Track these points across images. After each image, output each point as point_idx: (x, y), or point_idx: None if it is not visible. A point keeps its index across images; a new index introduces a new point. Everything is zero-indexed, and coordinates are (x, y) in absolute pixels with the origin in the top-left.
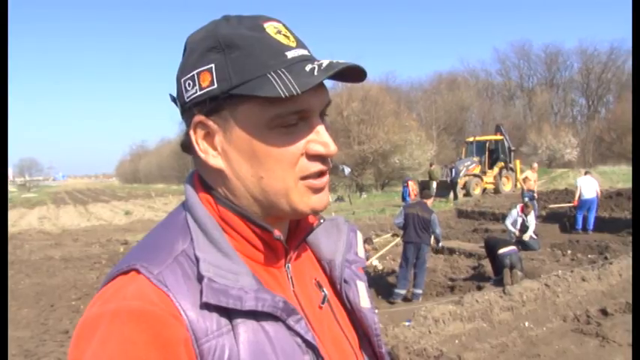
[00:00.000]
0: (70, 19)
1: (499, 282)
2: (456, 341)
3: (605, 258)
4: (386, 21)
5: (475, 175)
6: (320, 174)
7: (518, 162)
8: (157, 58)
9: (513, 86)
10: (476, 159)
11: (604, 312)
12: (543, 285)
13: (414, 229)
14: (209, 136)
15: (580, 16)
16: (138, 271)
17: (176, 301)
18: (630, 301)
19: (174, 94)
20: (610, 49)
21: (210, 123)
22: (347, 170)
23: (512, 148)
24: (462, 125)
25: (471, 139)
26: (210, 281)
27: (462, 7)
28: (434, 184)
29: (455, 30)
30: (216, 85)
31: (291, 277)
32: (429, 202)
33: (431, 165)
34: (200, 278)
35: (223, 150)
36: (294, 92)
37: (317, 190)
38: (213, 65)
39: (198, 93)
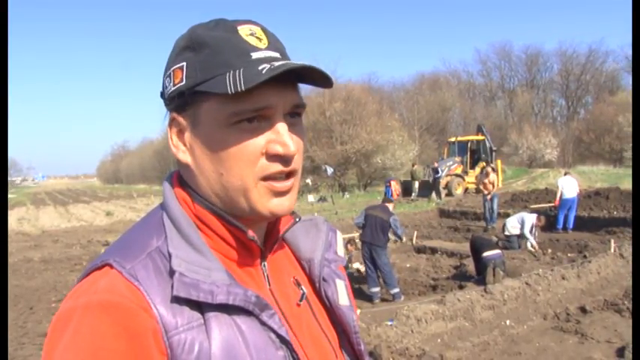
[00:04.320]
0: (49, 17)
1: (481, 281)
2: (438, 340)
3: (585, 257)
4: (368, 21)
5: (457, 175)
6: (285, 176)
7: (499, 162)
8: (139, 57)
9: (494, 87)
10: (458, 159)
11: (583, 310)
12: (524, 284)
13: (370, 229)
14: (181, 132)
15: (560, 18)
16: (111, 266)
17: (147, 294)
18: (608, 299)
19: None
20: (589, 51)
21: (181, 119)
22: (330, 170)
23: (494, 148)
24: (444, 125)
25: (453, 139)
26: (182, 275)
27: (443, 8)
28: (416, 184)
29: (437, 31)
30: (184, 82)
31: (267, 275)
32: (391, 205)
33: (413, 165)
34: (171, 273)
35: (190, 146)
36: (240, 89)
37: (279, 194)
38: (185, 63)
39: (172, 89)
